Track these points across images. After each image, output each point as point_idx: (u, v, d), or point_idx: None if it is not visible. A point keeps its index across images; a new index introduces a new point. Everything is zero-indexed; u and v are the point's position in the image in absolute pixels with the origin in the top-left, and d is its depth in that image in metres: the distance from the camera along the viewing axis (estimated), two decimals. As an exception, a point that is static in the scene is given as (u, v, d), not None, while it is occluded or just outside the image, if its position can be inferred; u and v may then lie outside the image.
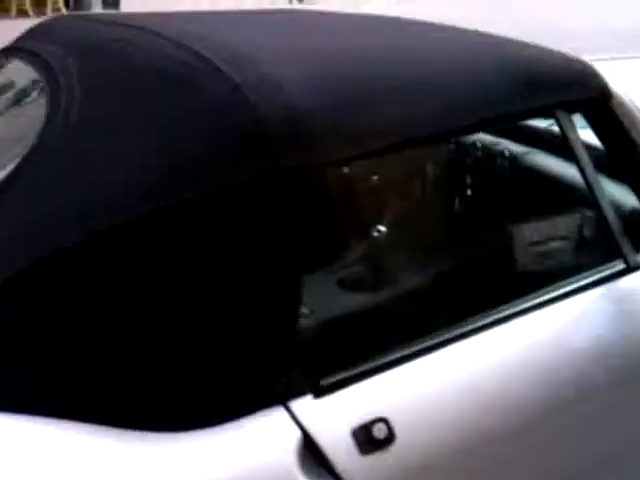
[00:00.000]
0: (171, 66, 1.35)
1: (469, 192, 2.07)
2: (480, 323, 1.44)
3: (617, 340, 1.57)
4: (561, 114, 1.57)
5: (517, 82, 1.52)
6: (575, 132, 1.59)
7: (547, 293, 1.55)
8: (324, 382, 1.29)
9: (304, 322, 1.32)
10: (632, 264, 1.62)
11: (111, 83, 1.40)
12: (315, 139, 1.27)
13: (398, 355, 1.36)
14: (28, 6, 10.52)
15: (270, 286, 1.24)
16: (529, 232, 1.72)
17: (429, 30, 1.79)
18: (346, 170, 1.74)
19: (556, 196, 1.91)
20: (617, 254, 1.62)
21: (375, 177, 1.91)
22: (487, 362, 1.42)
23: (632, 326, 1.59)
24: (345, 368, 1.32)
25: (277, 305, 1.24)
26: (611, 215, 1.59)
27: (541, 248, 1.75)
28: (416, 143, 1.44)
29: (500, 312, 1.47)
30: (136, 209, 1.18)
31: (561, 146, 1.62)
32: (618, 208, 1.67)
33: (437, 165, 2.07)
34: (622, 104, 1.68)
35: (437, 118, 1.40)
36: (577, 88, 1.61)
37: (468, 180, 2.10)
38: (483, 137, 2.17)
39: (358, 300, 1.70)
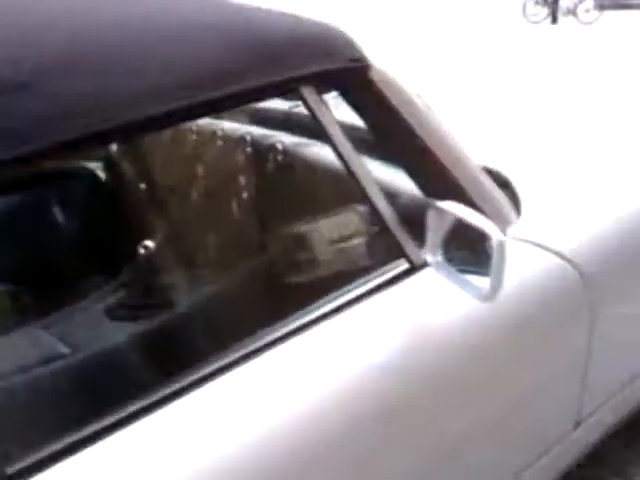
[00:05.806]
0: None
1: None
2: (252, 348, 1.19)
3: (403, 350, 1.31)
4: (308, 91, 1.28)
5: (243, 52, 1.22)
6: (328, 112, 1.31)
7: (323, 306, 1.27)
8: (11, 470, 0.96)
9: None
10: (416, 263, 1.37)
11: None
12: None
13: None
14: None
15: None
16: (294, 240, 1.45)
17: None
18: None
19: (326, 192, 1.64)
20: (399, 253, 1.36)
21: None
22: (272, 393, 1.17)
23: (417, 334, 1.33)
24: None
25: None
26: (384, 207, 1.33)
27: (309, 256, 1.48)
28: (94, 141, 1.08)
29: (274, 334, 1.22)
30: None
31: (315, 130, 1.34)
32: (394, 198, 1.41)
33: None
34: (384, 76, 1.42)
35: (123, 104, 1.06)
36: (324, 59, 1.32)
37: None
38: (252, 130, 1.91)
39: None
